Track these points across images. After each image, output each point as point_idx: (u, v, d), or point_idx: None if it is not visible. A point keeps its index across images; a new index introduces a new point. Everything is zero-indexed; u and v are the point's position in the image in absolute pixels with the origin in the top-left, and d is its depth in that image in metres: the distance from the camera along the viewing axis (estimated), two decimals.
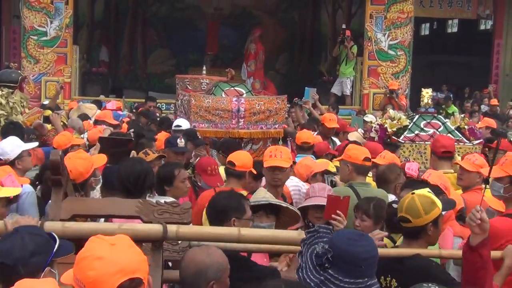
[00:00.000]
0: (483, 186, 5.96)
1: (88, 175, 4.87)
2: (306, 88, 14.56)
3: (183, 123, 8.89)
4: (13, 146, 6.05)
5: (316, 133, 9.82)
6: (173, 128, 8.74)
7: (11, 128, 7.55)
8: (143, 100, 15.30)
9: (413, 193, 3.98)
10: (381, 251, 3.71)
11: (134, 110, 13.71)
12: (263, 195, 4.74)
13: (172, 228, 3.30)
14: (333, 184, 6.46)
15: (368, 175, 6.24)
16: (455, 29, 29.39)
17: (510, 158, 5.07)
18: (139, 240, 3.22)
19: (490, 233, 4.49)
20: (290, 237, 3.53)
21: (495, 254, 4.03)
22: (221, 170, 6.57)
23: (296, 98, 12.58)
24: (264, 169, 5.74)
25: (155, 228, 3.30)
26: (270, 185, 5.67)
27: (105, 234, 3.02)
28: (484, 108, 19.19)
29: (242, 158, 6.00)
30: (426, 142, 8.71)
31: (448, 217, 5.04)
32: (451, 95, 19.34)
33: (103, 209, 3.59)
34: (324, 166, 6.66)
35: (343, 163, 6.01)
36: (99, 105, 12.96)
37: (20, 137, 6.70)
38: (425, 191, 4.06)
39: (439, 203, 4.01)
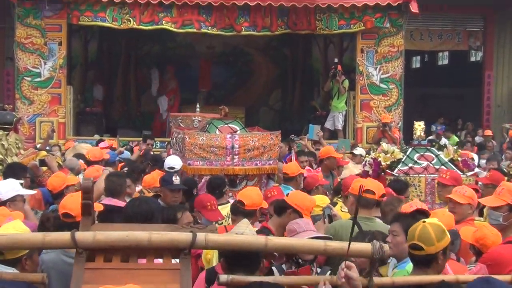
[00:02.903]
0: (476, 217, 6.04)
1: None
2: (310, 125, 14.72)
3: (176, 163, 8.91)
4: (9, 188, 6.06)
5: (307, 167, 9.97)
6: (166, 168, 8.75)
7: (14, 170, 7.55)
8: (139, 139, 15.35)
9: (424, 221, 3.95)
10: (403, 279, 3.83)
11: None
12: (243, 228, 4.76)
13: (200, 236, 3.34)
14: (330, 218, 6.38)
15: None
16: (446, 61, 29.59)
17: (506, 187, 5.17)
18: (169, 247, 3.31)
19: (496, 260, 4.59)
20: (314, 245, 3.60)
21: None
22: None
23: (292, 135, 12.69)
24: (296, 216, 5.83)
25: (184, 235, 3.36)
26: (284, 225, 5.72)
27: (137, 243, 3.21)
28: (478, 139, 19.32)
29: (251, 196, 6.11)
30: (420, 175, 8.74)
31: None
32: (443, 127, 19.43)
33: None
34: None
35: (348, 196, 6.14)
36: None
37: (18, 177, 6.73)
38: (435, 220, 4.07)
39: (447, 232, 4.01)
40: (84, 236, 3.28)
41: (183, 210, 5.87)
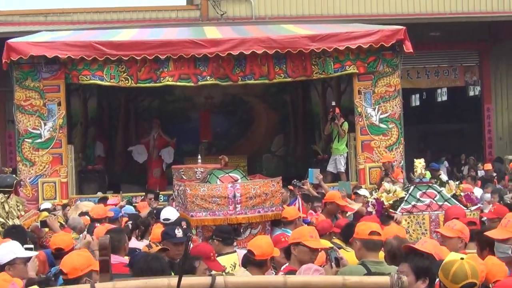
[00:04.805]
0: (466, 251, 5.99)
1: (82, 273, 4.85)
2: (309, 169, 14.68)
3: (171, 215, 8.89)
4: (6, 251, 5.93)
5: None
6: (161, 220, 8.73)
7: (13, 232, 7.49)
8: (143, 194, 15.33)
9: (462, 259, 3.96)
10: None
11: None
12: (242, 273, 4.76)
13: (220, 279, 3.36)
14: (337, 261, 6.32)
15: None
16: (444, 98, 29.74)
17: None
18: None
19: None
20: (334, 282, 3.55)
21: None
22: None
23: (295, 180, 12.64)
24: (302, 248, 5.93)
25: (204, 279, 3.38)
26: (300, 262, 5.81)
27: None
28: (481, 173, 19.30)
29: (261, 246, 6.07)
30: (423, 213, 8.71)
31: None
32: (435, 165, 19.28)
33: None
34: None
35: (354, 241, 6.05)
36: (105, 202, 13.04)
37: (21, 241, 6.68)
38: (462, 255, 4.08)
39: None
40: (104, 286, 3.34)
41: (199, 260, 5.82)
